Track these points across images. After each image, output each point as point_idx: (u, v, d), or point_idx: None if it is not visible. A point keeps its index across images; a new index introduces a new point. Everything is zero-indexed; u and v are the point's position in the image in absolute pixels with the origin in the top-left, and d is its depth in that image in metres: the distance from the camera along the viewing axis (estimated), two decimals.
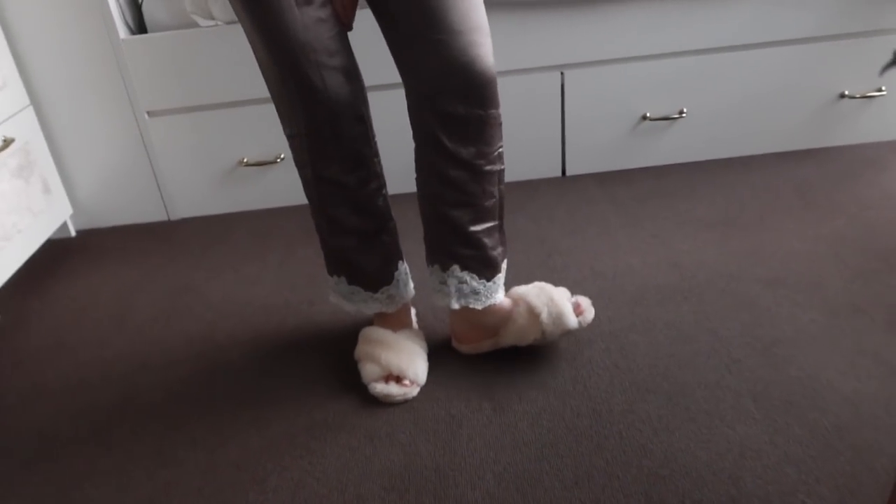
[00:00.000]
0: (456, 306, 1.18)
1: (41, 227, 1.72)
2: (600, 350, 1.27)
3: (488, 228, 1.15)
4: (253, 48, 1.08)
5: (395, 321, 1.28)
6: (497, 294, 1.21)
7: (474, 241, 1.15)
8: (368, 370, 1.22)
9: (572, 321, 1.21)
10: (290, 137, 1.14)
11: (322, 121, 1.08)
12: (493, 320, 1.22)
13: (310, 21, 1.01)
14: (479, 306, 1.18)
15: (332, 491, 1.04)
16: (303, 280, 1.57)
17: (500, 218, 1.17)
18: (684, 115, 1.86)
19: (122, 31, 1.71)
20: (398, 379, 1.20)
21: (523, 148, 1.88)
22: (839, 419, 1.07)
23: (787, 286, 1.38)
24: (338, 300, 1.27)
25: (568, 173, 1.93)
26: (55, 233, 1.83)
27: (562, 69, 1.80)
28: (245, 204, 1.92)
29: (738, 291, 1.38)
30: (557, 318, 1.20)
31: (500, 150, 1.12)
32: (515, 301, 1.24)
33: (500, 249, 1.19)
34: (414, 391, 1.20)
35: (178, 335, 1.44)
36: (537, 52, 1.76)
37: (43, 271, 1.74)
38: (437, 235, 1.17)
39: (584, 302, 1.25)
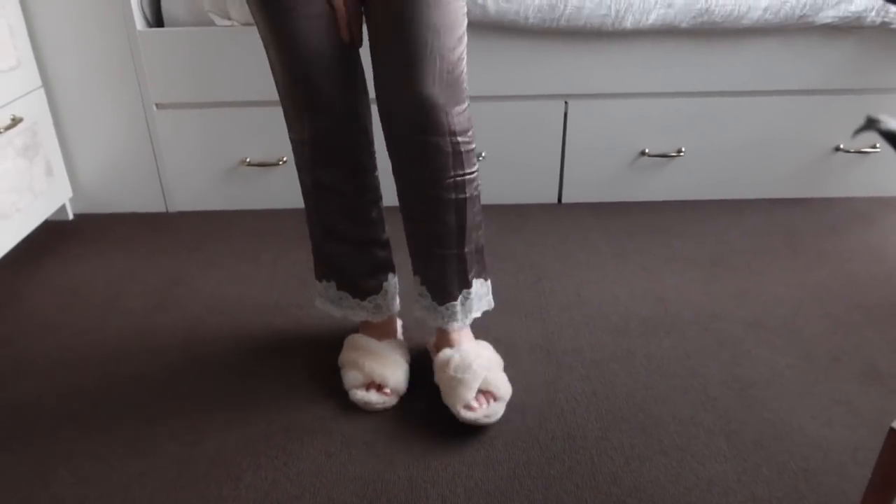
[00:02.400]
0: (417, 314, 1.26)
1: (40, 208, 1.74)
2: (580, 376, 1.29)
3: (444, 255, 1.16)
4: (266, 50, 1.10)
5: (381, 330, 1.29)
6: (450, 322, 1.21)
7: (430, 261, 1.19)
8: (350, 377, 1.23)
9: (462, 400, 1.15)
10: (293, 141, 1.17)
11: (326, 127, 1.11)
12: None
13: (322, 31, 1.04)
14: (432, 323, 1.24)
15: (304, 493, 1.05)
16: (293, 283, 1.59)
17: (461, 246, 1.16)
18: (682, 154, 1.89)
19: (140, 23, 1.74)
20: (379, 387, 1.21)
21: (521, 172, 1.91)
22: (807, 463, 1.09)
23: (768, 330, 1.41)
24: (325, 305, 1.29)
25: (564, 201, 1.96)
26: (53, 214, 1.84)
27: (566, 98, 1.83)
28: (243, 203, 1.94)
29: (719, 331, 1.41)
30: (456, 386, 1.17)
31: (460, 178, 1.11)
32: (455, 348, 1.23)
33: (455, 278, 1.18)
34: (393, 400, 1.22)
35: (166, 327, 1.45)
36: (544, 80, 1.80)
37: (37, 252, 1.75)
38: (407, 241, 1.23)
39: (491, 409, 1.17)
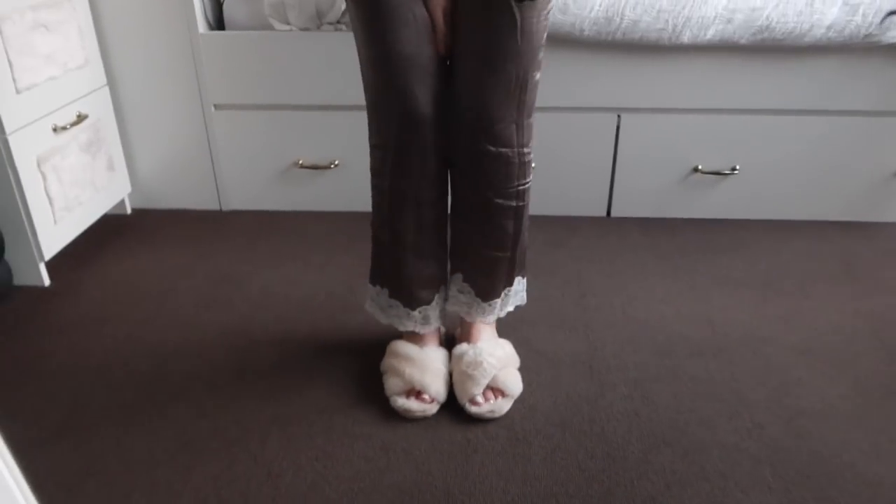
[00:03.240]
0: (449, 308, 1.30)
1: (100, 202, 1.80)
2: (622, 395, 1.27)
3: (498, 258, 1.21)
4: (359, 52, 1.12)
5: (424, 338, 1.30)
6: (489, 316, 1.28)
7: (482, 263, 1.23)
8: (392, 383, 1.24)
9: (468, 395, 1.21)
10: (374, 147, 1.18)
11: (412, 133, 1.12)
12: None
13: (420, 38, 1.06)
14: (467, 318, 1.28)
15: (342, 497, 1.06)
16: (340, 286, 1.61)
17: (514, 250, 1.22)
18: (736, 171, 1.85)
19: (202, 26, 1.79)
20: (419, 394, 1.22)
21: (571, 184, 1.90)
22: (856, 501, 1.05)
23: (820, 358, 1.37)
24: (373, 310, 1.30)
25: (613, 215, 1.94)
26: (112, 209, 1.90)
27: (619, 112, 1.81)
28: (295, 204, 1.97)
29: (769, 356, 1.37)
30: (465, 381, 1.22)
31: (522, 187, 1.16)
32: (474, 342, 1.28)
33: (503, 278, 1.25)
34: (434, 408, 1.22)
35: (215, 324, 1.48)
36: (597, 92, 1.79)
37: (97, 244, 1.81)
38: (454, 242, 1.26)
39: (496, 405, 1.22)
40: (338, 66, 1.77)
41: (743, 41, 1.65)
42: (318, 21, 1.78)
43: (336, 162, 1.90)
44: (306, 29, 1.78)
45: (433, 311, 1.27)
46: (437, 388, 1.23)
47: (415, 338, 1.30)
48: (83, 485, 1.09)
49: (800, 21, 1.61)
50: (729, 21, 1.62)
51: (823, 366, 1.34)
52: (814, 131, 1.80)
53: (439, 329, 1.34)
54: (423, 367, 1.24)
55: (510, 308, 1.31)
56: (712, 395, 1.27)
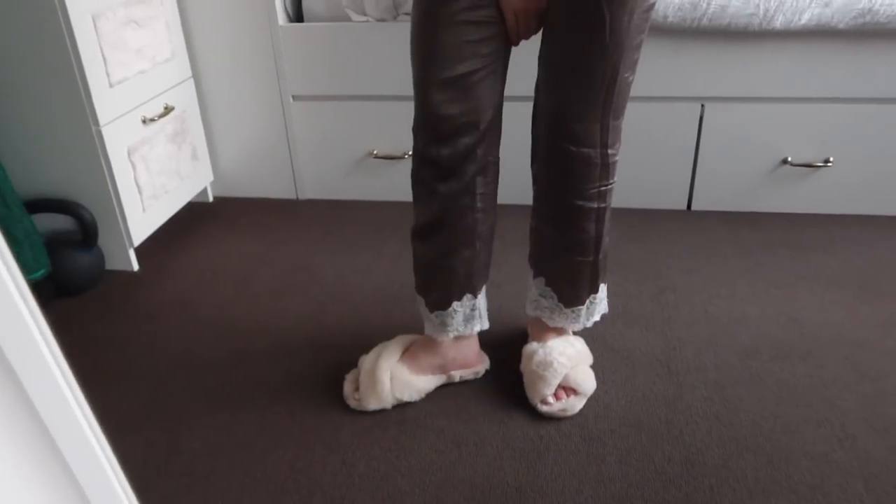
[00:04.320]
0: (531, 313, 1.27)
1: (185, 191, 1.87)
2: (701, 397, 1.23)
3: (580, 262, 1.17)
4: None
5: (436, 348, 1.24)
6: (573, 324, 1.23)
7: (564, 266, 1.19)
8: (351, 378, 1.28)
9: (539, 395, 1.20)
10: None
11: (428, 124, 1.08)
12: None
13: (463, 41, 1.02)
14: (550, 323, 1.24)
15: (414, 489, 1.07)
16: (413, 277, 1.61)
17: (596, 254, 1.17)
18: (830, 164, 1.75)
19: (282, 18, 1.82)
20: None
21: (651, 176, 1.84)
22: None
23: None
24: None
25: (693, 208, 1.87)
26: (196, 197, 1.97)
27: (703, 101, 1.74)
28: (369, 193, 1.99)
29: (862, 361, 1.30)
30: (536, 380, 1.20)
31: (604, 188, 1.12)
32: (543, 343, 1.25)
33: (587, 284, 1.20)
34: (358, 405, 1.23)
35: (291, 311, 1.52)
36: (680, 81, 1.72)
37: (181, 231, 1.88)
38: (535, 246, 1.23)
39: (568, 403, 1.19)
40: None
41: (841, 26, 1.55)
42: (394, 11, 1.78)
43: (409, 152, 1.90)
44: (383, 20, 1.78)
45: (450, 318, 1.20)
46: (370, 399, 1.22)
47: (429, 344, 1.25)
48: (166, 466, 1.14)
49: None
50: (826, 4, 1.52)
51: None
52: None
53: (461, 346, 1.25)
54: (368, 385, 1.22)
55: (596, 318, 1.25)
56: (799, 400, 1.21)
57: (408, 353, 1.25)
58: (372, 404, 1.21)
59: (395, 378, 1.22)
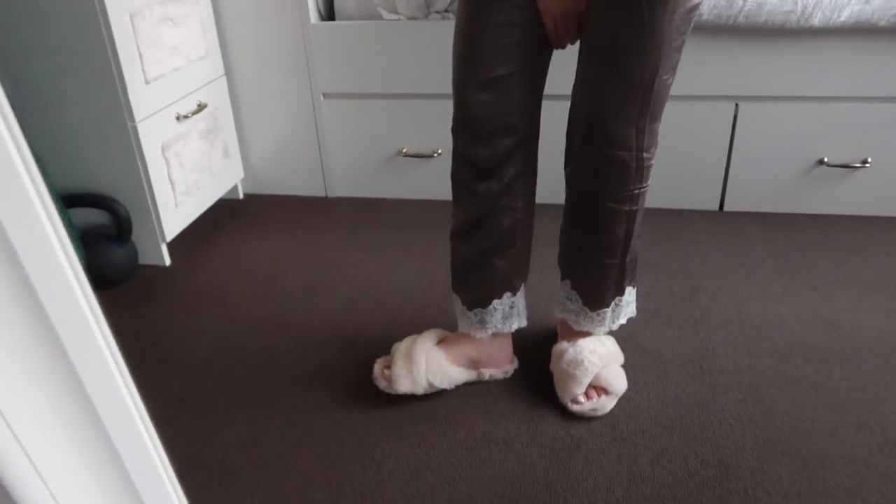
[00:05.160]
0: (558, 315, 1.26)
1: (217, 187, 1.89)
2: (736, 400, 1.21)
3: (607, 264, 1.15)
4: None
5: (467, 352, 1.24)
6: (598, 327, 1.22)
7: (590, 269, 1.17)
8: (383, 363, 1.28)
9: (570, 394, 1.18)
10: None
11: (468, 124, 1.09)
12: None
13: (503, 43, 1.02)
14: (575, 327, 1.23)
15: (443, 485, 1.07)
16: (441, 275, 1.61)
17: (624, 256, 1.15)
18: (868, 164, 1.71)
19: (314, 17, 1.83)
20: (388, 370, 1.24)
21: (683, 175, 1.82)
22: None
23: None
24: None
25: (726, 209, 1.84)
26: (227, 193, 1.99)
27: (737, 100, 1.72)
28: (398, 192, 2.00)
29: None
30: (566, 379, 1.19)
31: (637, 191, 1.10)
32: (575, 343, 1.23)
33: (612, 287, 1.18)
34: (388, 387, 1.22)
35: (321, 307, 1.52)
36: (714, 80, 1.70)
37: (213, 227, 1.90)
38: (564, 247, 1.22)
39: (599, 403, 1.18)
40: (444, 55, 1.74)
41: (882, 23, 1.52)
42: (426, 10, 1.78)
43: (439, 151, 1.90)
44: (414, 18, 1.79)
45: (490, 315, 1.21)
46: (402, 380, 1.21)
47: (465, 337, 1.25)
48: (198, 458, 1.15)
49: None
50: (867, 1, 1.49)
51: None
52: None
53: (495, 344, 1.25)
54: (404, 365, 1.21)
55: (622, 321, 1.24)
56: (837, 404, 1.19)
57: (444, 342, 1.26)
58: (404, 386, 1.20)
59: (431, 362, 1.21)
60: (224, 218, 1.95)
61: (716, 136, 1.76)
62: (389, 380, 1.22)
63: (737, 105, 1.72)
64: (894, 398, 1.19)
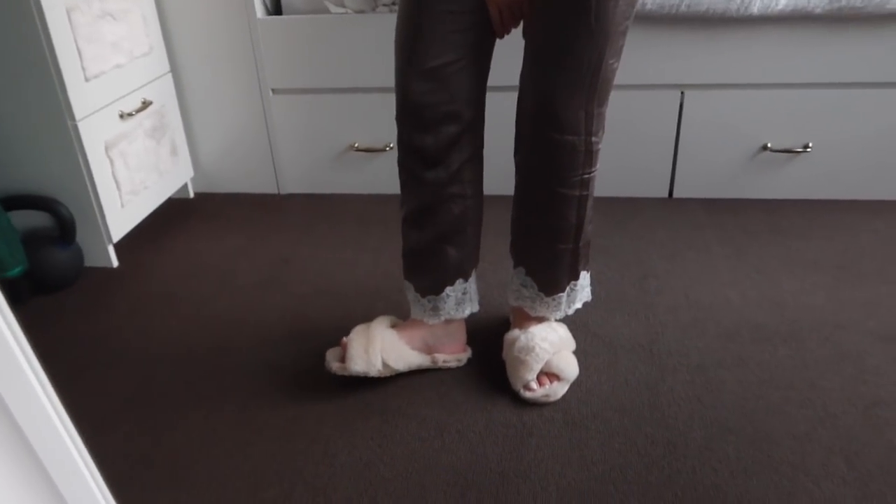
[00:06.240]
0: (513, 303, 1.26)
1: (165, 186, 1.85)
2: (684, 381, 1.23)
3: (560, 249, 1.17)
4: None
5: (420, 336, 1.25)
6: (554, 312, 1.23)
7: (545, 255, 1.18)
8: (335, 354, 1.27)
9: (522, 381, 1.19)
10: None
11: (411, 113, 1.08)
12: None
13: (446, 31, 1.02)
14: (531, 313, 1.24)
15: (396, 476, 1.06)
16: (396, 268, 1.61)
17: (577, 241, 1.17)
18: (809, 149, 1.76)
19: (260, 11, 1.81)
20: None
21: (633, 164, 1.84)
22: None
23: None
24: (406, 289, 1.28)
25: (675, 195, 1.88)
26: (176, 193, 1.95)
27: (682, 89, 1.74)
28: (351, 187, 1.98)
29: (844, 343, 1.30)
30: (518, 366, 1.20)
31: (587, 176, 1.11)
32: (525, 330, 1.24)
33: (566, 271, 1.20)
34: (342, 370, 1.21)
35: (273, 304, 1.51)
36: (659, 69, 1.72)
37: (162, 227, 1.86)
38: (516, 235, 1.22)
39: (551, 389, 1.19)
40: (393, 48, 1.75)
41: (818, 10, 1.56)
42: (373, 3, 1.77)
43: (391, 144, 1.90)
44: (361, 11, 1.78)
45: (443, 302, 1.22)
46: (358, 359, 1.20)
47: (418, 323, 1.25)
48: (149, 458, 1.12)
49: None
50: None
51: None
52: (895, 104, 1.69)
53: (449, 329, 1.26)
54: (359, 344, 1.21)
55: (578, 305, 1.25)
56: (781, 382, 1.22)
57: (398, 327, 1.26)
58: (358, 365, 1.19)
59: (387, 342, 1.22)
60: (174, 217, 1.91)
61: (663, 124, 1.79)
62: (343, 360, 1.21)
63: (682, 93, 1.75)
64: (835, 374, 1.23)
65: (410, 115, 1.08)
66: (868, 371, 1.23)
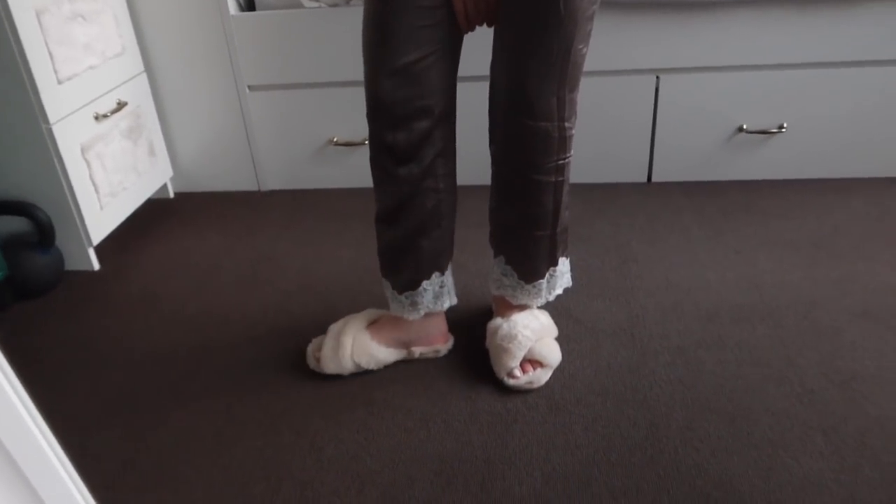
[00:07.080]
0: (494, 292, 1.28)
1: (144, 187, 1.84)
2: (665, 363, 1.25)
3: (538, 236, 1.18)
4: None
5: (401, 335, 1.26)
6: (535, 299, 1.24)
7: (522, 242, 1.20)
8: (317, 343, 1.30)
9: (505, 369, 1.20)
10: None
11: (382, 111, 1.08)
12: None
13: (414, 27, 1.01)
14: (513, 301, 1.25)
15: (383, 468, 1.07)
16: (377, 261, 1.61)
17: (554, 228, 1.18)
18: (784, 130, 1.78)
19: (233, 8, 1.80)
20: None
21: (611, 149, 1.85)
22: None
23: (876, 321, 1.31)
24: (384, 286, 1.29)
25: (654, 180, 1.89)
26: (155, 193, 1.95)
27: (658, 73, 1.76)
28: (331, 182, 1.98)
29: (820, 320, 1.32)
30: (501, 354, 1.21)
31: (561, 162, 1.12)
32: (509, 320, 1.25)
33: (545, 258, 1.21)
34: (318, 368, 1.25)
35: (256, 301, 1.51)
36: (634, 54, 1.73)
37: (142, 228, 1.85)
38: (495, 224, 1.23)
39: (534, 376, 1.20)
40: None
41: None
42: None
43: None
44: (335, 5, 1.77)
45: (420, 297, 1.22)
46: (329, 362, 1.24)
47: (396, 319, 1.26)
48: (134, 460, 1.13)
49: None
50: None
51: (879, 329, 1.29)
52: (868, 83, 1.71)
53: (428, 323, 1.27)
54: (332, 347, 1.24)
55: (558, 291, 1.26)
56: (760, 360, 1.23)
57: (374, 325, 1.27)
58: (330, 367, 1.24)
59: (357, 344, 1.23)
60: (154, 218, 1.90)
61: (640, 109, 1.80)
62: (318, 361, 1.25)
63: (657, 77, 1.76)
64: (812, 351, 1.25)
65: (382, 114, 1.08)
66: (844, 347, 1.25)
